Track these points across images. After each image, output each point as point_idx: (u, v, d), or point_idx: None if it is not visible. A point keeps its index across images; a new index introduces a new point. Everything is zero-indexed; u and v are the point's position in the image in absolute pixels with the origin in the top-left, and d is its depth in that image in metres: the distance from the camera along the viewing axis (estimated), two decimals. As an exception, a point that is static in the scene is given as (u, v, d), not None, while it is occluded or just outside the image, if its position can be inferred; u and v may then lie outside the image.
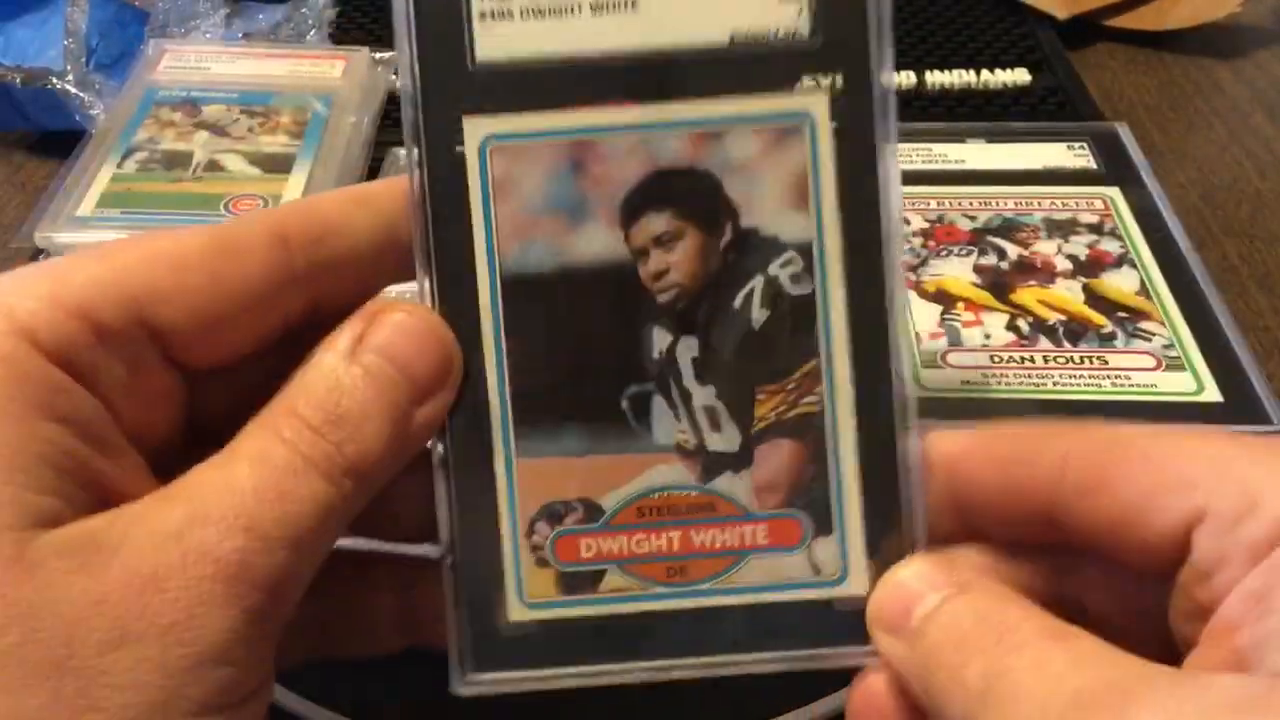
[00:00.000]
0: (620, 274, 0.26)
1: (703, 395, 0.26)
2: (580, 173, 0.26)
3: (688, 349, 0.26)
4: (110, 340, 0.24)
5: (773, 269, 0.26)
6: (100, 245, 0.25)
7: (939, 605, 0.24)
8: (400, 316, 0.25)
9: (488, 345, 0.26)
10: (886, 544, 0.26)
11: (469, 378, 0.26)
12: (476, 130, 0.26)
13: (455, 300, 0.26)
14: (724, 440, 0.26)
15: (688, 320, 0.26)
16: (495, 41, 0.26)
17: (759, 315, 0.26)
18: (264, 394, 0.25)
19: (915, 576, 0.25)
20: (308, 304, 0.26)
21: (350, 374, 0.24)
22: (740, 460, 0.26)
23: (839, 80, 0.26)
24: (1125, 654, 0.21)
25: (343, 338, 0.25)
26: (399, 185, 0.26)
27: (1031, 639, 0.22)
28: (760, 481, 0.26)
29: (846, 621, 0.26)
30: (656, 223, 0.26)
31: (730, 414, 0.26)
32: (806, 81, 0.26)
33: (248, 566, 0.22)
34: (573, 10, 0.26)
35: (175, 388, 0.25)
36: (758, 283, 0.26)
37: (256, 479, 0.23)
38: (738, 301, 0.26)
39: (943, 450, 0.26)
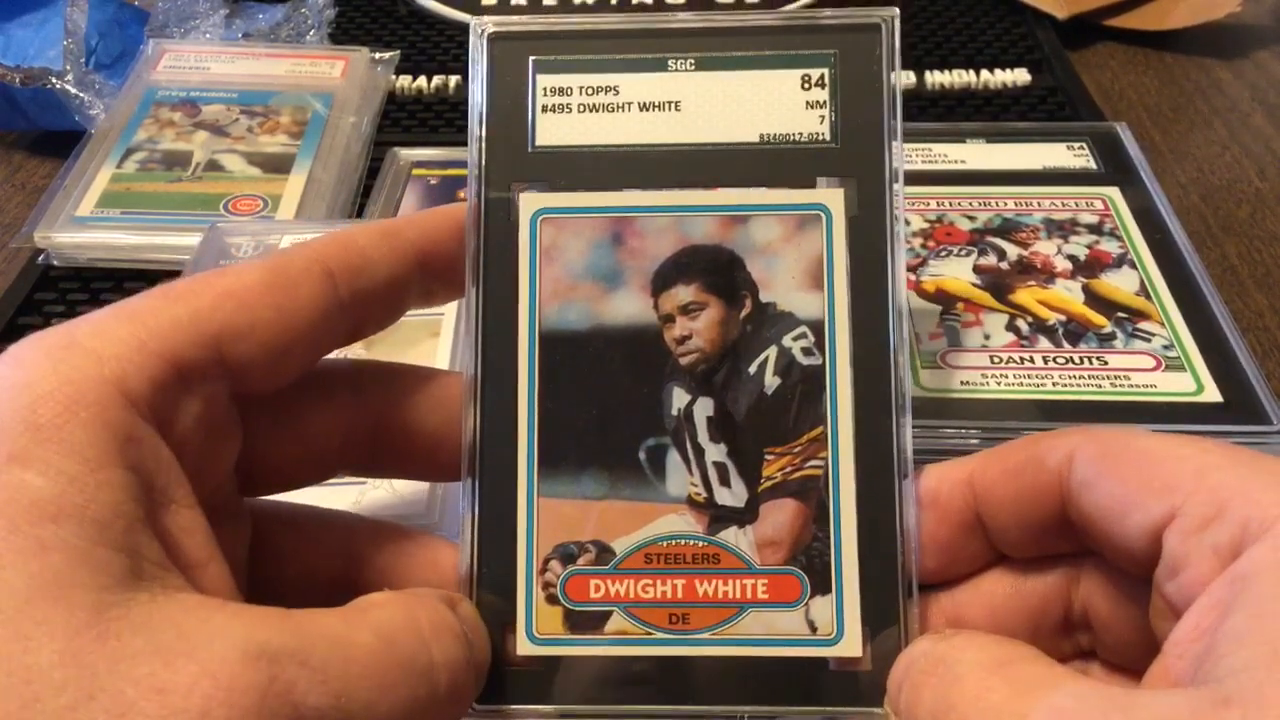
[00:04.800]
0: (647, 337, 0.29)
1: (715, 452, 0.28)
2: (619, 245, 0.29)
3: (704, 408, 0.28)
4: (192, 381, 0.24)
5: (786, 341, 0.28)
6: (169, 286, 0.25)
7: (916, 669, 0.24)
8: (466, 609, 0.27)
9: (522, 391, 0.28)
10: (882, 607, 0.27)
11: (502, 419, 0.28)
12: (530, 204, 0.29)
13: (497, 348, 0.28)
14: (732, 495, 0.28)
15: (706, 382, 0.28)
16: (553, 130, 0.29)
17: (771, 382, 0.28)
18: (307, 433, 0.28)
19: (905, 657, 0.25)
20: (349, 330, 0.28)
21: (463, 615, 0.26)
22: (746, 515, 0.28)
23: (854, 178, 0.29)
24: (1065, 675, 0.21)
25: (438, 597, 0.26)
26: (423, 220, 0.29)
27: (970, 671, 0.22)
28: (764, 537, 0.28)
29: (840, 681, 0.27)
30: (684, 293, 0.29)
31: (739, 471, 0.28)
32: (826, 178, 0.29)
33: None
34: (623, 108, 0.29)
35: (236, 424, 0.26)
36: (772, 352, 0.28)
37: (373, 657, 0.22)
38: (753, 368, 0.28)
39: (954, 475, 0.27)
